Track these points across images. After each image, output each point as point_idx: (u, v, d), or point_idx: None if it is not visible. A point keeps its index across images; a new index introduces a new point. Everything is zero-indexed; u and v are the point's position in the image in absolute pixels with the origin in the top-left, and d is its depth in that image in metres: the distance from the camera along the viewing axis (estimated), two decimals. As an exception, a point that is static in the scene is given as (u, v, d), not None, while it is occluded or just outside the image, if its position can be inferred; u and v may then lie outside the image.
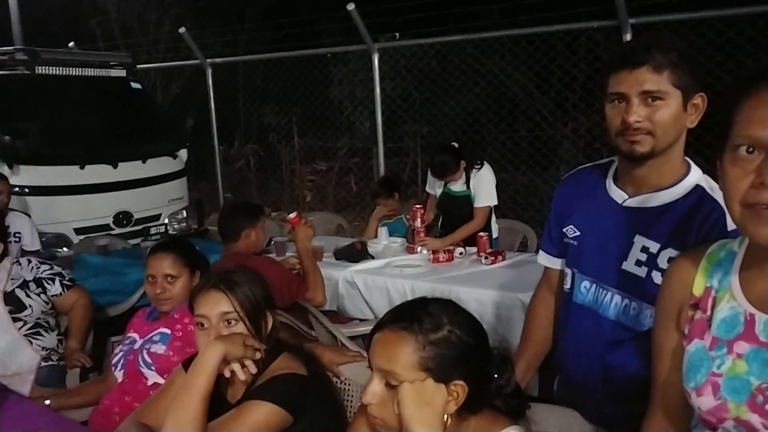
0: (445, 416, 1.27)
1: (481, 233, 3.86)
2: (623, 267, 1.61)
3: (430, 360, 1.26)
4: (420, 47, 7.38)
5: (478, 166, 4.18)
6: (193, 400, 1.58)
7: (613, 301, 1.64)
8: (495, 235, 4.27)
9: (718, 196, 1.50)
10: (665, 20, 5.12)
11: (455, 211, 4.23)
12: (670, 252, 1.54)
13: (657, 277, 1.55)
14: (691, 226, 1.51)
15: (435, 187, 4.42)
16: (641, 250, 1.58)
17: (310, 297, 3.21)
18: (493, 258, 3.66)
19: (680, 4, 4.96)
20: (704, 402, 1.05)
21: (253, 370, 1.70)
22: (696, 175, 1.58)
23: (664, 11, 4.97)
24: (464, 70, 7.31)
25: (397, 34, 7.02)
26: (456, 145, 4.26)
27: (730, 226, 1.42)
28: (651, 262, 1.57)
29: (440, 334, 1.28)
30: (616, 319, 1.63)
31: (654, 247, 1.56)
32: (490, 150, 7.23)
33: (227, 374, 1.67)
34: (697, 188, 1.55)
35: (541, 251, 1.92)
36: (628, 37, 4.86)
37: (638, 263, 1.59)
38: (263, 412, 1.61)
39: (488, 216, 4.21)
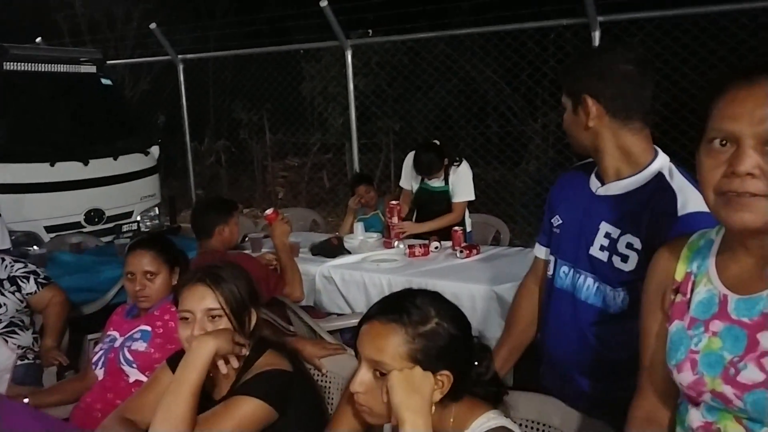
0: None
1: (456, 227, 3.91)
2: (590, 252, 1.69)
3: (419, 352, 1.30)
4: (392, 44, 7.41)
5: (457, 163, 4.27)
6: (184, 396, 1.60)
7: (586, 284, 1.71)
8: (468, 229, 4.35)
9: (676, 183, 1.58)
10: (633, 18, 5.23)
11: (433, 206, 4.30)
12: (628, 237, 1.61)
13: (617, 261, 1.63)
14: (645, 212, 1.58)
15: (412, 183, 4.46)
16: (604, 236, 1.67)
17: (288, 292, 3.23)
18: (467, 252, 3.71)
19: (648, 3, 5.07)
20: (684, 377, 1.13)
21: (235, 364, 1.72)
22: (659, 163, 1.64)
23: (631, 9, 5.08)
24: (436, 67, 7.36)
25: (370, 31, 7.04)
26: (438, 143, 4.33)
27: (681, 211, 1.51)
28: (612, 246, 1.65)
29: (428, 327, 1.32)
30: (590, 301, 1.70)
31: (615, 232, 1.64)
32: (462, 145, 7.30)
33: None
34: (658, 176, 1.62)
35: (537, 243, 1.99)
36: (596, 34, 4.95)
37: (602, 248, 1.67)
38: (250, 407, 1.63)
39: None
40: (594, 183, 1.73)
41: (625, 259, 1.61)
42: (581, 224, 1.73)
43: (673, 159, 1.68)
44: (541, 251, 1.95)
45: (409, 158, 4.46)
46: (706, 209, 1.51)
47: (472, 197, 4.31)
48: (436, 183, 4.31)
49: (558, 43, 6.37)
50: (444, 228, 4.12)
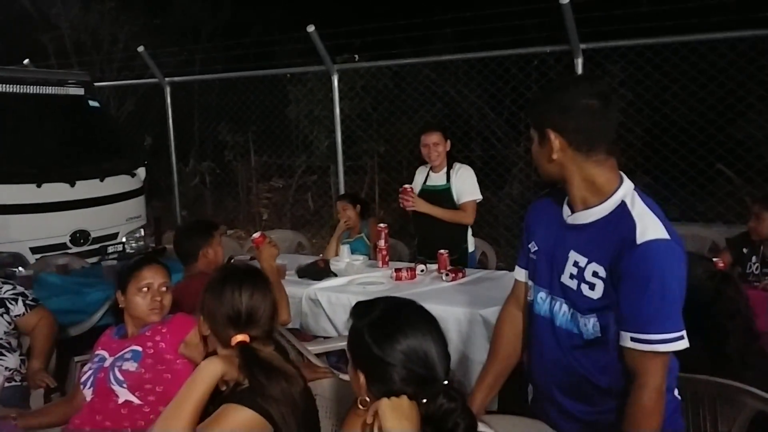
0: None
1: (442, 251, 3.93)
2: (561, 280, 1.75)
3: None
4: (377, 68, 7.51)
5: (459, 165, 4.30)
6: (185, 413, 1.63)
7: (561, 310, 1.76)
8: (471, 249, 4.37)
9: (636, 210, 1.63)
10: (614, 46, 5.36)
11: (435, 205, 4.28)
12: (594, 266, 1.66)
13: (585, 289, 1.68)
14: (608, 241, 1.64)
15: (418, 183, 4.46)
16: (573, 265, 1.72)
17: (275, 315, 3.24)
18: (453, 275, 3.75)
19: (630, 31, 5.21)
20: None
21: None
22: (623, 192, 1.68)
23: (614, 37, 5.20)
24: (421, 92, 7.47)
25: (356, 56, 7.14)
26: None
27: (639, 239, 1.57)
28: (580, 275, 1.70)
29: None
30: (565, 327, 1.75)
31: (582, 261, 1.70)
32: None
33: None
34: (621, 204, 1.67)
35: (516, 267, 2.02)
36: (579, 61, 5.07)
37: (571, 276, 1.72)
38: (243, 417, 1.64)
39: (463, 231, 4.33)
40: (565, 211, 1.78)
41: (592, 287, 1.66)
42: (554, 252, 1.78)
43: (638, 186, 1.72)
44: (521, 274, 1.98)
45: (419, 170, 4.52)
46: (665, 236, 1.56)
47: (480, 197, 4.29)
48: (438, 181, 4.31)
49: (541, 69, 6.50)
50: (452, 221, 4.20)
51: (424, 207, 4.19)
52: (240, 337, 1.77)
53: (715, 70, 5.52)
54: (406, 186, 4.24)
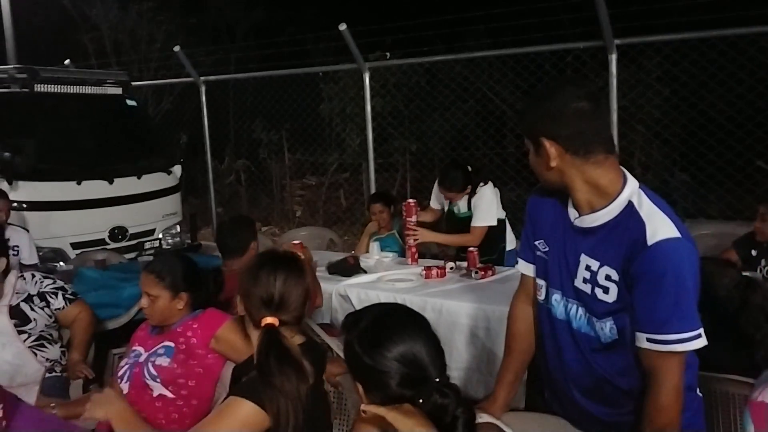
0: None
1: (472, 248, 3.93)
2: (575, 284, 1.73)
3: None
4: (409, 66, 7.51)
5: (483, 185, 4.21)
6: None
7: (578, 314, 1.75)
8: (510, 247, 4.31)
9: (644, 211, 1.60)
10: (649, 41, 5.28)
11: (457, 232, 4.27)
12: (606, 270, 1.64)
13: (599, 293, 1.66)
14: (619, 244, 1.61)
15: (441, 204, 4.47)
16: (585, 269, 1.70)
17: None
18: (483, 272, 3.75)
19: (664, 26, 5.12)
20: None
21: None
22: (629, 191, 1.64)
23: (648, 32, 5.13)
24: (452, 89, 7.45)
25: (388, 54, 7.15)
26: (470, 168, 4.25)
27: (650, 240, 1.54)
28: (593, 279, 1.68)
29: None
30: (583, 330, 1.74)
31: (594, 265, 1.67)
32: (479, 166, 7.35)
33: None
34: (628, 205, 1.63)
35: (519, 260, 1.99)
36: (613, 57, 4.99)
37: (585, 281, 1.70)
38: (244, 412, 1.67)
39: (500, 230, 4.29)
40: (572, 212, 1.75)
41: (606, 290, 1.65)
42: (565, 255, 1.76)
43: (643, 185, 1.68)
44: (528, 268, 1.95)
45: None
46: (675, 235, 1.54)
47: (492, 222, 4.17)
48: (462, 208, 4.28)
49: (575, 65, 6.44)
50: (458, 246, 4.14)
51: (429, 236, 4.18)
52: (270, 320, 1.81)
53: (755, 64, 5.40)
54: (410, 201, 4.21)
